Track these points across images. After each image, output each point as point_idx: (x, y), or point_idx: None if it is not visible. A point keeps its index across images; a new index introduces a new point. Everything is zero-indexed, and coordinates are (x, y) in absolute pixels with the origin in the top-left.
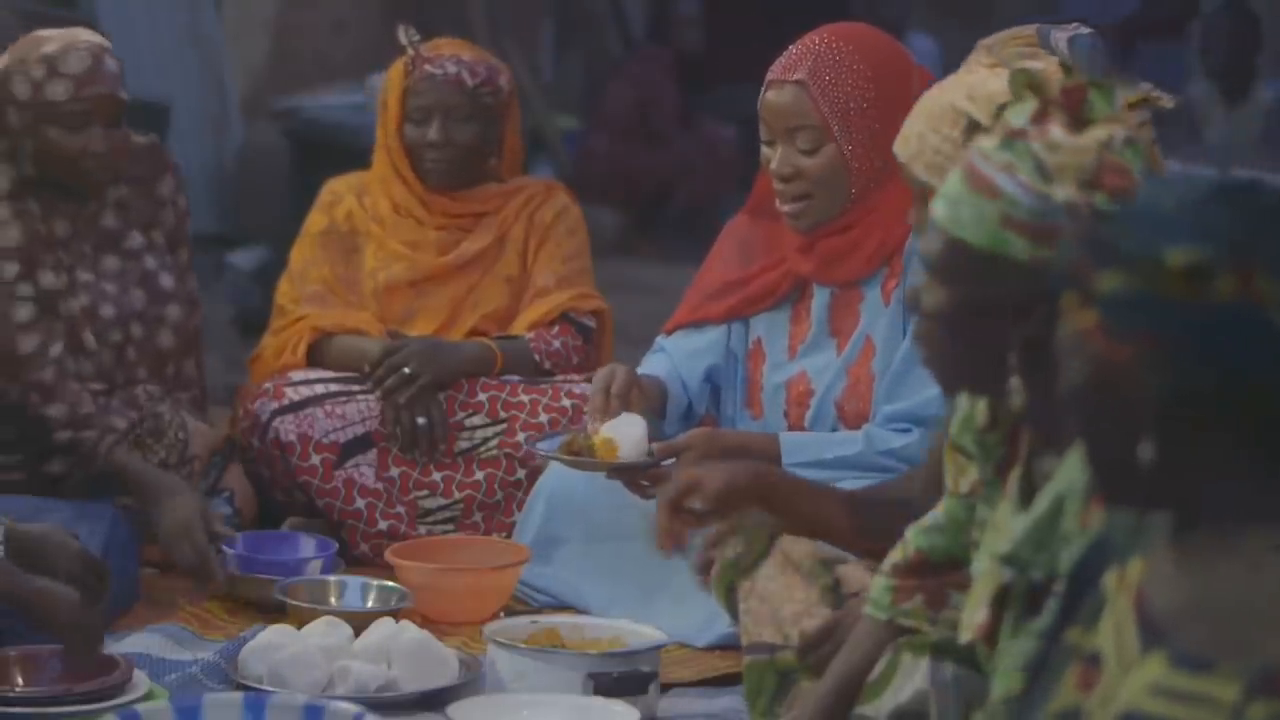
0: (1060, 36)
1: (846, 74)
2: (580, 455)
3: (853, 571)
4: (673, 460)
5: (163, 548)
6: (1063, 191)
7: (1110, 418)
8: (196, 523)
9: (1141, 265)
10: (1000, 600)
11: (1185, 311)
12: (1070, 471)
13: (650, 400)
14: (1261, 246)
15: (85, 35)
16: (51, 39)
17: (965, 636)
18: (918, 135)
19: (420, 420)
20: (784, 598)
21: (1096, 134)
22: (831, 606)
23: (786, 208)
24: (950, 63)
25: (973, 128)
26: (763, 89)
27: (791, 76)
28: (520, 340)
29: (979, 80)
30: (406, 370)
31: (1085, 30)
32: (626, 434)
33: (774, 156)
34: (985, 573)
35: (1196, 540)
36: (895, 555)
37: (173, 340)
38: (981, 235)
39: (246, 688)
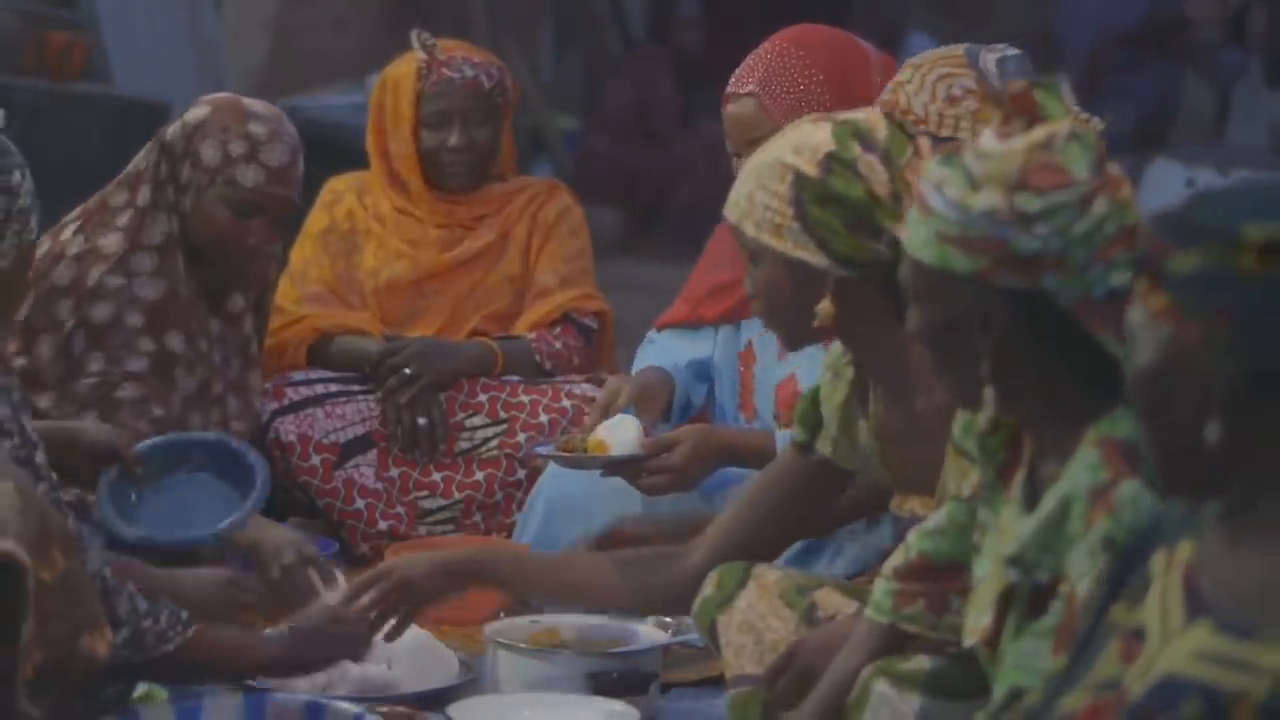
0: (989, 57)
1: (798, 79)
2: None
3: (828, 596)
4: (668, 454)
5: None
6: (985, 200)
7: (1179, 400)
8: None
9: (1218, 243)
10: (1005, 602)
11: (1260, 291)
12: (1076, 473)
13: (659, 403)
14: None
15: (288, 125)
16: (259, 117)
17: (969, 640)
18: (746, 195)
19: (421, 420)
20: (764, 626)
21: (1033, 136)
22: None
23: None
24: None
25: (800, 180)
26: (722, 103)
27: (744, 89)
28: (521, 341)
29: (803, 134)
30: (407, 370)
31: (1013, 51)
32: (619, 434)
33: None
34: (989, 575)
35: (1252, 519)
36: (897, 558)
37: (258, 403)
38: (929, 254)
39: (247, 688)
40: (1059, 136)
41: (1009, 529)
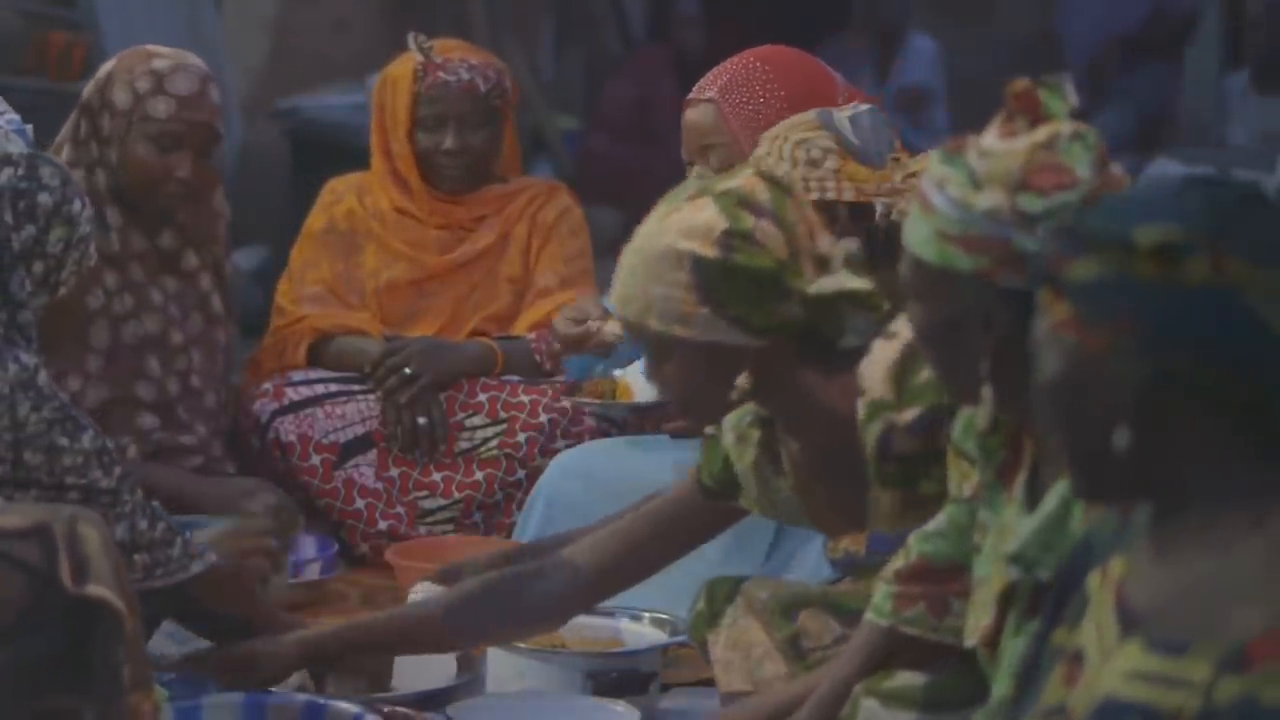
0: (841, 115)
1: (759, 92)
2: (603, 399)
3: (813, 619)
4: None
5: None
6: (987, 199)
7: (1087, 409)
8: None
9: (1112, 249)
10: (1005, 601)
11: (1158, 294)
12: None
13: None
14: (1233, 230)
15: (195, 59)
16: (163, 55)
17: (970, 640)
18: (641, 292)
19: (421, 420)
20: (749, 640)
21: (1036, 136)
22: (790, 659)
23: None
24: (950, 63)
25: (699, 264)
26: (683, 107)
27: (704, 95)
28: (522, 340)
29: (686, 217)
30: (407, 370)
31: (864, 106)
32: (642, 378)
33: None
34: (991, 575)
35: (1175, 528)
36: (897, 561)
37: (224, 364)
38: (930, 252)
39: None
40: (1062, 136)
41: (1010, 529)
